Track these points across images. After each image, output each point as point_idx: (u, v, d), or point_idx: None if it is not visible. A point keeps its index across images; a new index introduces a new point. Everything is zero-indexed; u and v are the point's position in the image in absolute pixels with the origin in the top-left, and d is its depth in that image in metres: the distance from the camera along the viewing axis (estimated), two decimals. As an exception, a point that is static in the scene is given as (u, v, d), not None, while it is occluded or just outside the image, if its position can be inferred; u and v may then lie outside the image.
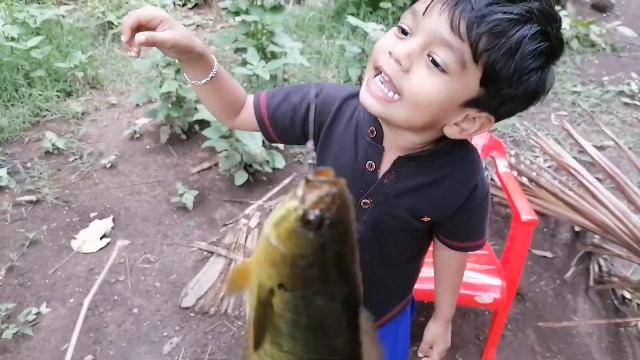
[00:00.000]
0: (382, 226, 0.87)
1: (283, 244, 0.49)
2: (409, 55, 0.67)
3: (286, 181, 2.57)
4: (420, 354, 1.11)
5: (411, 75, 0.68)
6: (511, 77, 0.66)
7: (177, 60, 0.83)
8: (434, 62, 0.67)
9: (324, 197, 0.47)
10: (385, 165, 0.83)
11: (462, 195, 0.84)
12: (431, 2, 0.66)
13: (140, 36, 0.68)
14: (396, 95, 0.70)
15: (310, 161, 0.54)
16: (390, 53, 0.69)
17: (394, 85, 0.70)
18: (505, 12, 0.63)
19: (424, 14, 0.67)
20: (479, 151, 1.11)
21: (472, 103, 0.71)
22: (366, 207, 0.86)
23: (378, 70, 0.72)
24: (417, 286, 1.09)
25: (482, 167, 0.87)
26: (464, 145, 0.83)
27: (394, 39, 0.71)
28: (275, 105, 0.88)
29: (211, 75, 0.80)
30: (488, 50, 0.64)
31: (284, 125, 0.88)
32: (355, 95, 0.85)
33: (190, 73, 0.81)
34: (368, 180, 0.84)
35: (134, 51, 0.71)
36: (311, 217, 0.47)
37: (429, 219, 0.87)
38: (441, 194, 0.84)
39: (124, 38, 0.71)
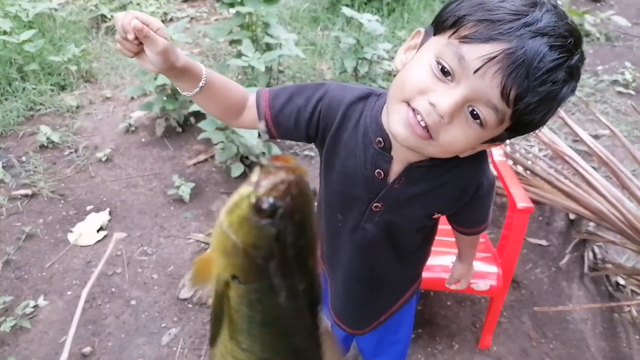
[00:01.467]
0: (393, 225, 0.90)
1: (235, 232, 0.46)
2: (453, 113, 0.67)
3: (282, 173, 2.57)
4: (447, 285, 1.23)
5: (450, 127, 0.68)
6: (540, 125, 0.70)
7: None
8: (473, 114, 0.67)
9: (278, 184, 0.44)
10: (394, 171, 0.84)
11: (469, 192, 0.87)
12: (486, 62, 0.63)
13: (137, 22, 0.65)
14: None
15: (262, 148, 0.50)
16: (432, 104, 0.67)
17: (429, 130, 0.70)
18: (554, 83, 0.63)
19: (475, 71, 0.64)
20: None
21: (493, 140, 0.74)
22: (377, 210, 0.88)
23: (409, 105, 0.71)
24: (422, 274, 1.14)
25: (488, 163, 0.89)
26: None
27: (432, 79, 0.68)
28: (278, 107, 0.86)
29: (200, 85, 0.79)
30: (529, 114, 0.66)
31: (288, 127, 0.87)
32: (362, 98, 0.85)
33: (179, 86, 0.80)
34: (378, 186, 0.85)
35: (129, 50, 0.71)
36: (264, 204, 0.44)
37: (439, 215, 0.91)
38: (450, 193, 0.86)
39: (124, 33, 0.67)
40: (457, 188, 0.86)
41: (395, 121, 0.72)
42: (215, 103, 0.85)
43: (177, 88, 0.81)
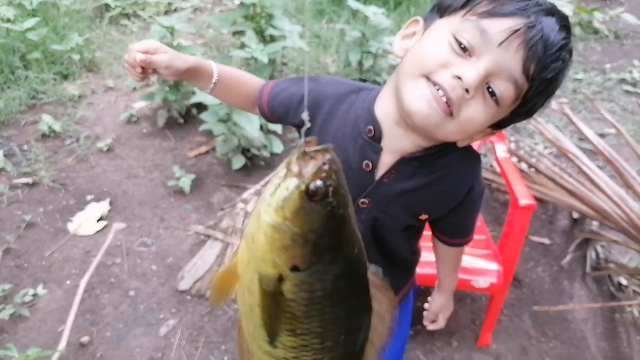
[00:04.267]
0: (379, 225, 0.86)
1: (292, 224, 0.48)
2: (478, 87, 0.67)
3: (284, 166, 2.55)
4: (426, 322, 1.15)
5: (471, 103, 0.69)
6: (536, 111, 0.73)
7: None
8: (490, 91, 0.68)
9: (321, 165, 0.47)
10: (383, 164, 0.80)
11: (460, 194, 0.85)
12: (510, 35, 0.65)
13: (141, 55, 0.79)
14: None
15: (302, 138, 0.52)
16: (458, 77, 0.66)
17: (450, 105, 0.69)
18: (563, 61, 0.67)
19: (500, 44, 0.65)
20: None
21: (495, 125, 0.75)
22: (364, 206, 0.84)
23: (429, 79, 0.69)
24: (417, 270, 1.10)
25: (480, 167, 0.87)
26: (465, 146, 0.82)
27: (452, 54, 0.68)
28: (274, 94, 0.93)
29: (214, 81, 0.88)
30: (540, 94, 0.69)
31: (280, 113, 0.93)
32: (353, 92, 0.84)
33: (195, 85, 0.90)
34: (365, 180, 0.82)
35: (138, 77, 0.83)
36: (316, 188, 0.47)
37: (426, 216, 0.87)
38: (440, 193, 0.83)
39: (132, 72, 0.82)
40: (448, 187, 0.83)
41: (415, 98, 0.69)
42: (232, 96, 0.95)
43: (194, 87, 0.91)
